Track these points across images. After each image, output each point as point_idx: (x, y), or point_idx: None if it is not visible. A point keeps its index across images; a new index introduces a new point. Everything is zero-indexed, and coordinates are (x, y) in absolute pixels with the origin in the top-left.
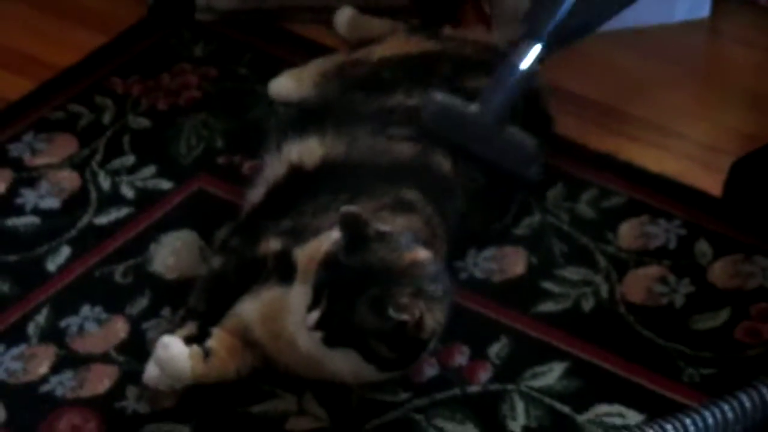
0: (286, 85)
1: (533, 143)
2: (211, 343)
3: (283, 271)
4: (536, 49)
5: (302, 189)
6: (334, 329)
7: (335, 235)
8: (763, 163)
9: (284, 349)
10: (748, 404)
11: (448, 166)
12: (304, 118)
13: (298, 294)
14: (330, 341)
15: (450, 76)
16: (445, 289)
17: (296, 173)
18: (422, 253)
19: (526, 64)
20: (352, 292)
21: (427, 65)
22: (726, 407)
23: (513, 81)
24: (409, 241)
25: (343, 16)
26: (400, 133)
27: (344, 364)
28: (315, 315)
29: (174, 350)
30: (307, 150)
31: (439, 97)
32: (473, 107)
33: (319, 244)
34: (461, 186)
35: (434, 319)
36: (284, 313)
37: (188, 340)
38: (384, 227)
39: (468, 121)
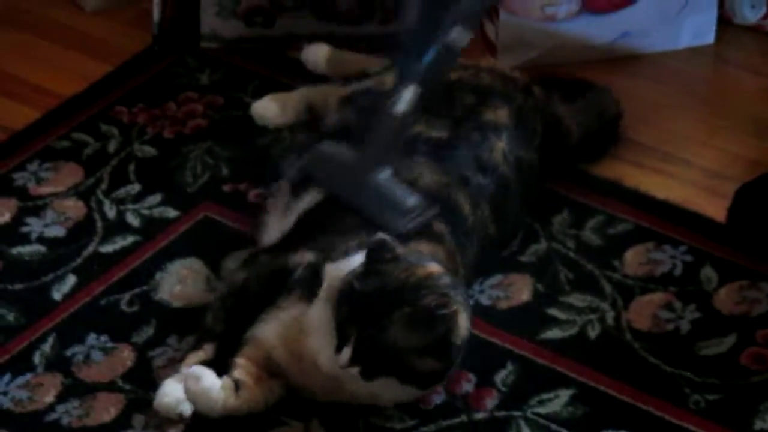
0: (269, 108)
1: (412, 200)
2: (238, 374)
3: (309, 284)
4: (410, 91)
5: (334, 210)
6: (371, 360)
7: (358, 259)
8: (766, 189)
9: (307, 370)
10: None
11: (467, 209)
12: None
13: (319, 316)
14: (368, 374)
15: (473, 106)
16: (466, 300)
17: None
18: (434, 266)
19: (401, 107)
20: (379, 317)
21: (448, 95)
22: None
23: (390, 126)
24: (418, 258)
25: (320, 53)
26: (425, 162)
27: (378, 389)
28: (347, 352)
29: (206, 382)
30: None
31: (325, 146)
32: (353, 156)
33: (346, 266)
34: (476, 232)
35: (464, 322)
36: (305, 333)
37: (205, 364)
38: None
39: (348, 170)
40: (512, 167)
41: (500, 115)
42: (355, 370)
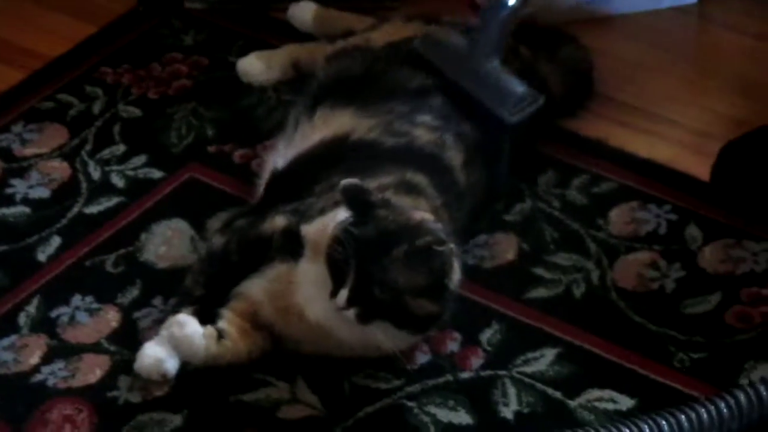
0: (254, 66)
1: (521, 89)
2: (222, 324)
3: (289, 248)
4: None
5: (311, 169)
6: (369, 301)
7: (342, 213)
8: (749, 148)
9: (293, 323)
10: (744, 402)
11: (459, 163)
12: (333, 89)
13: (307, 271)
14: (365, 316)
15: None
16: (457, 250)
17: (333, 144)
18: (425, 214)
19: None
20: (377, 258)
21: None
22: (722, 404)
23: (503, 17)
24: (409, 206)
25: (307, 11)
26: (427, 120)
27: (370, 336)
28: (344, 293)
29: (189, 329)
30: (344, 122)
31: (437, 33)
32: (467, 43)
33: (326, 222)
34: (470, 189)
35: (457, 268)
36: (292, 288)
37: None
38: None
39: (459, 55)
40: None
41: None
42: (352, 312)
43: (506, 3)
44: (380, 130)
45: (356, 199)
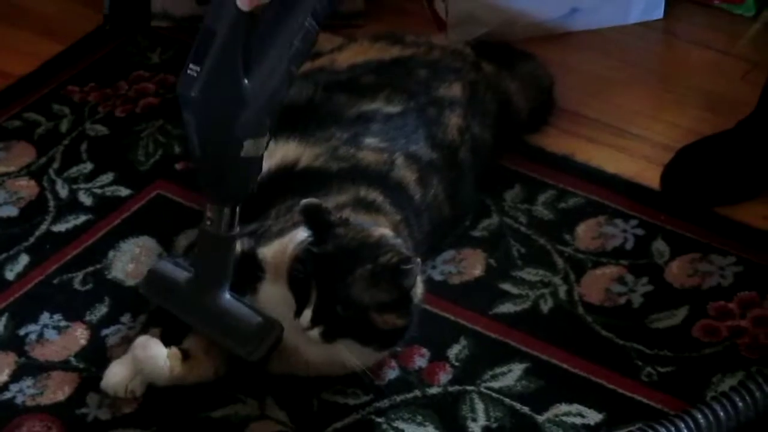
0: None
1: (256, 321)
2: (187, 344)
3: (248, 272)
4: (229, 213)
5: (268, 193)
6: (333, 319)
7: (301, 234)
8: (700, 153)
9: None
10: (740, 403)
11: (414, 186)
12: (287, 118)
13: (269, 293)
14: (329, 334)
15: (426, 80)
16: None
17: (281, 172)
18: (385, 230)
19: (226, 229)
20: (340, 276)
21: (402, 71)
22: (717, 406)
23: (222, 249)
24: (369, 223)
25: None
26: (373, 143)
27: (336, 354)
28: (308, 313)
29: (152, 351)
30: (289, 151)
31: (160, 265)
32: (187, 276)
33: (285, 243)
34: (428, 207)
35: (419, 282)
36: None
37: None
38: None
39: (186, 291)
40: (468, 144)
41: (454, 89)
42: (316, 332)
43: (221, 235)
44: (326, 156)
45: (316, 219)
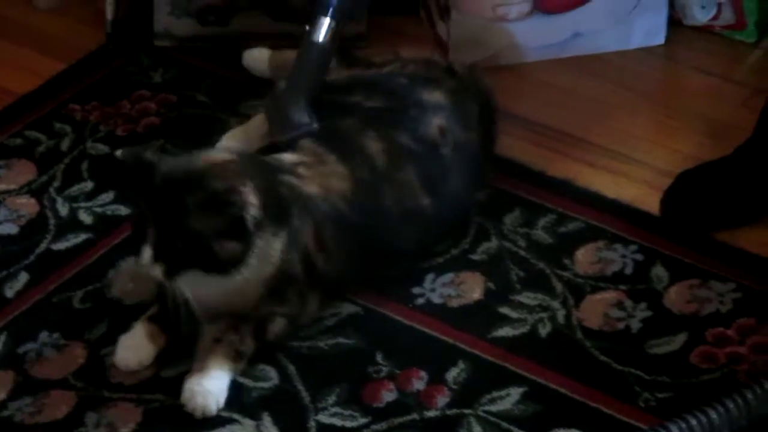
0: (259, 59)
1: (298, 114)
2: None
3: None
4: (326, 23)
5: None
6: (172, 254)
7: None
8: (701, 178)
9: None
10: (733, 409)
11: (377, 152)
12: None
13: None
14: (171, 270)
15: (407, 86)
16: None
17: None
18: (218, 155)
19: (319, 37)
20: (173, 210)
21: (384, 81)
22: (712, 413)
23: (312, 55)
24: (204, 151)
25: (260, 58)
26: (349, 121)
27: (191, 287)
28: (147, 251)
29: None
30: None
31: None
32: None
33: None
34: (393, 184)
35: (254, 201)
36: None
37: None
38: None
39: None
40: (450, 147)
41: (436, 96)
42: (158, 269)
43: (314, 42)
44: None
45: (136, 163)
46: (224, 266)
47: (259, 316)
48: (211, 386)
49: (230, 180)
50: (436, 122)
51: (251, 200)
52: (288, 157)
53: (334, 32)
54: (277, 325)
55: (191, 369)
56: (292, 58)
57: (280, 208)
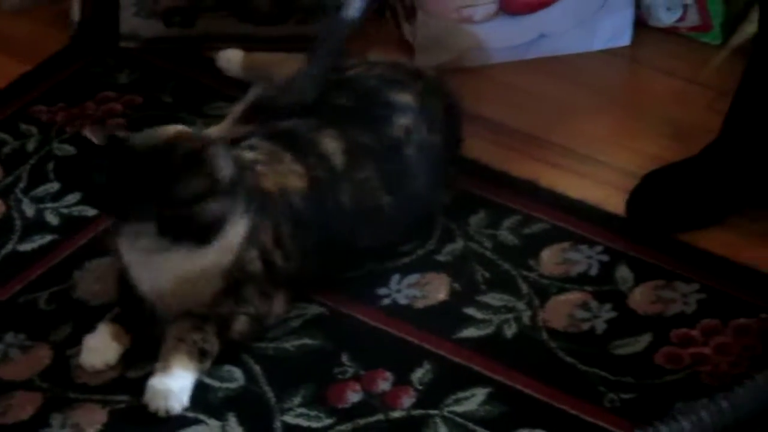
0: (233, 60)
1: (306, 82)
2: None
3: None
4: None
5: None
6: (168, 224)
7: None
8: (665, 179)
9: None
10: (726, 407)
11: (334, 153)
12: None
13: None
14: (165, 234)
15: (375, 88)
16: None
17: None
18: (183, 127)
19: (351, 14)
20: (154, 179)
21: (353, 83)
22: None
23: (340, 30)
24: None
25: (234, 59)
26: (309, 121)
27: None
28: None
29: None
30: None
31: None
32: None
33: None
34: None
35: (226, 164)
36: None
37: None
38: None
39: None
40: (415, 147)
41: (405, 97)
42: (160, 242)
43: (346, 15)
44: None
45: (108, 140)
46: (207, 232)
47: (220, 315)
48: (173, 385)
49: (201, 142)
50: (402, 122)
51: (224, 161)
52: (246, 154)
53: (364, 11)
54: (241, 324)
55: (154, 368)
56: (266, 60)
57: (245, 191)
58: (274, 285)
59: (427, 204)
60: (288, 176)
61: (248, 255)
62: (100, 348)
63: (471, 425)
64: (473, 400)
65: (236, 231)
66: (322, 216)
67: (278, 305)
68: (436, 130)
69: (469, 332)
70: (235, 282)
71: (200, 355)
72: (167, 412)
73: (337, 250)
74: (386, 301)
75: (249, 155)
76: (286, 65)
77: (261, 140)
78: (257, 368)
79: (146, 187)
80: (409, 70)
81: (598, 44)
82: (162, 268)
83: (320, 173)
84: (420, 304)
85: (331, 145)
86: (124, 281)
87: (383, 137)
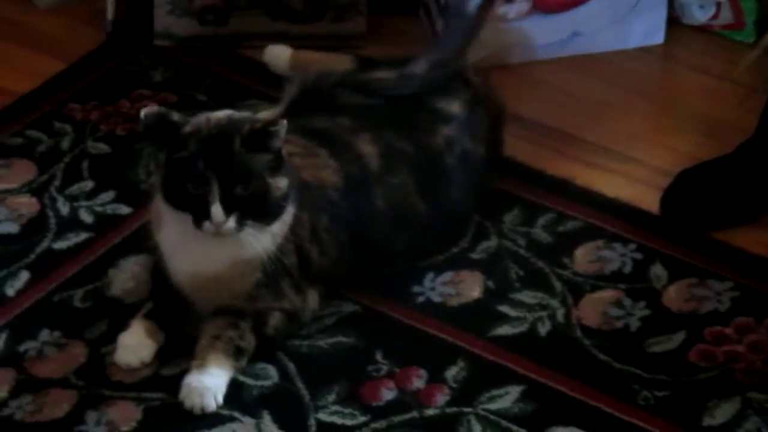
0: (281, 56)
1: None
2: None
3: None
4: None
5: None
6: (238, 204)
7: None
8: (700, 177)
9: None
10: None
11: (370, 156)
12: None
13: (165, 236)
14: (240, 220)
15: (423, 96)
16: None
17: None
18: (227, 111)
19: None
20: (225, 158)
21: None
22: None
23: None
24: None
25: (282, 55)
26: (345, 121)
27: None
28: (217, 208)
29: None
30: None
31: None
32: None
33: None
34: (386, 186)
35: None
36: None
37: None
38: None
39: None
40: (456, 157)
41: (453, 105)
42: (233, 221)
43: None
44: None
45: (162, 125)
46: (277, 208)
47: (257, 310)
48: (209, 383)
49: (263, 120)
50: (445, 132)
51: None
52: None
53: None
54: (276, 320)
55: (190, 366)
56: (314, 59)
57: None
58: (307, 280)
59: (463, 212)
60: (324, 170)
61: (286, 247)
62: (135, 346)
63: (505, 423)
64: (507, 397)
65: (284, 219)
66: (357, 213)
67: (312, 301)
68: (479, 139)
69: (503, 330)
70: (272, 274)
71: (236, 353)
72: (202, 409)
73: (370, 249)
74: (420, 299)
75: (287, 147)
76: (334, 63)
77: (294, 136)
78: (291, 366)
79: (220, 165)
80: (457, 76)
81: (632, 42)
82: (206, 256)
83: (355, 171)
84: (454, 301)
85: (367, 148)
86: (158, 275)
87: (423, 145)
